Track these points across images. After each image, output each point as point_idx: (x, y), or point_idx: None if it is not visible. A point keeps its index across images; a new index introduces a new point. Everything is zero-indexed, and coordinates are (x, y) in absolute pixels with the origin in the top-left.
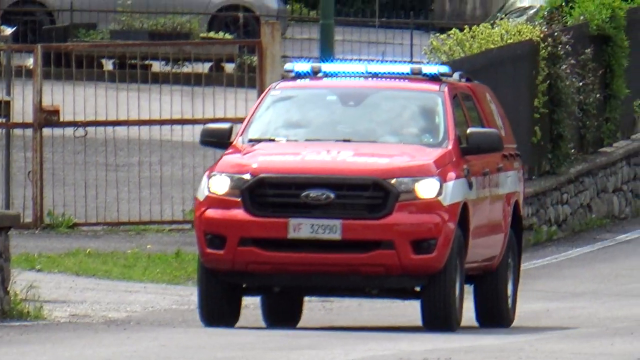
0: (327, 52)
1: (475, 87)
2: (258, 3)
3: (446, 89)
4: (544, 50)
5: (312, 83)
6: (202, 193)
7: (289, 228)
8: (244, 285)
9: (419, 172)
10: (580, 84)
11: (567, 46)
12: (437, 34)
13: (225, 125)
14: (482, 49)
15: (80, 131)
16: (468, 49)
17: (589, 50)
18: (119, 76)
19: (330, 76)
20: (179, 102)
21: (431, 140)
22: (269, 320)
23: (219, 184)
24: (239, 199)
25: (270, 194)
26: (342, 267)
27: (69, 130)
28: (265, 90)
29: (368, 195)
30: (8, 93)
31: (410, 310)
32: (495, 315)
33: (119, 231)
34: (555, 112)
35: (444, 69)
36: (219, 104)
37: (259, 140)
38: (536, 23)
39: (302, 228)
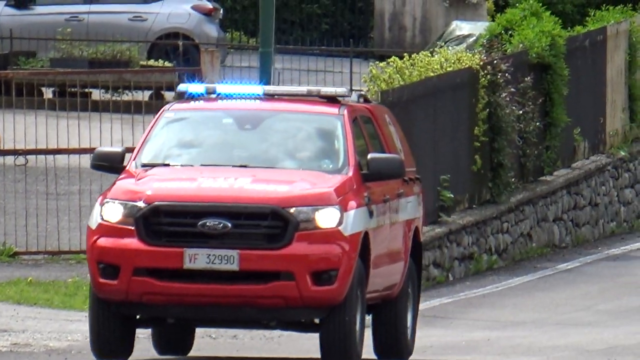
0: (266, 80)
1: (374, 108)
2: (198, 31)
3: (346, 111)
4: (483, 78)
5: (207, 105)
6: (95, 221)
7: (184, 258)
8: (137, 317)
9: (319, 201)
10: (520, 112)
11: (506, 74)
12: (377, 62)
13: (118, 149)
14: (421, 76)
15: (20, 159)
16: (407, 77)
17: (528, 78)
18: (59, 104)
19: (225, 98)
20: (119, 130)
21: (331, 166)
22: (160, 349)
23: (111, 212)
24: (133, 228)
25: (165, 222)
26: (240, 298)
27: (9, 159)
28: (159, 112)
29: (266, 224)
30: None
31: None
32: (395, 346)
33: (59, 260)
34: (495, 140)
35: (342, 90)
36: None
37: (153, 165)
38: (476, 51)
39: (198, 258)
